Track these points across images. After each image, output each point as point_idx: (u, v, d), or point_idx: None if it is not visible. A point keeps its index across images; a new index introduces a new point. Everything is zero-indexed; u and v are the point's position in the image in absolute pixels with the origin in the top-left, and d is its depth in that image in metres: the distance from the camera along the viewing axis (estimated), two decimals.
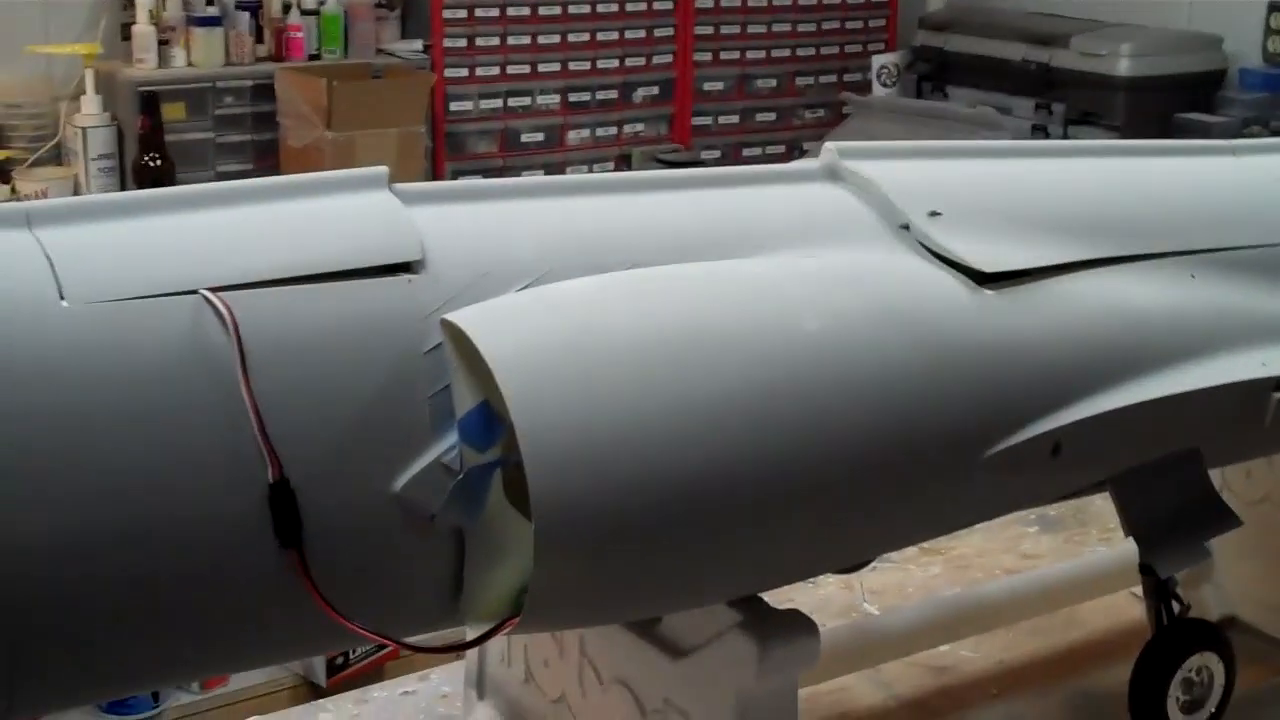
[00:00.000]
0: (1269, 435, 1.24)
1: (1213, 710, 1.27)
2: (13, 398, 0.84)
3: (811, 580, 1.88)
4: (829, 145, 1.20)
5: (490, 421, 0.94)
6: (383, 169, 1.01)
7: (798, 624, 1.09)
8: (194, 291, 0.89)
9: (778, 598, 1.82)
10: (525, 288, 0.98)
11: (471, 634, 1.00)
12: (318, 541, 0.90)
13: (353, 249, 0.95)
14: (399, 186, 1.01)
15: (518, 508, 0.95)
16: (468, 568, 0.96)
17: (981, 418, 1.06)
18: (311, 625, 0.93)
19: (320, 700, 1.65)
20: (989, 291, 1.10)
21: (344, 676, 3.20)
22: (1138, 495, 1.21)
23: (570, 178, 1.09)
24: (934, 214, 1.14)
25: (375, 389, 0.92)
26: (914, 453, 1.03)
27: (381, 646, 3.02)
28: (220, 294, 0.90)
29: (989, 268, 1.11)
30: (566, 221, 1.05)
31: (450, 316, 0.93)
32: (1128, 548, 1.24)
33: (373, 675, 3.00)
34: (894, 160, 1.21)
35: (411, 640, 0.98)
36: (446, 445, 0.93)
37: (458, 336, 0.93)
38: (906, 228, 1.14)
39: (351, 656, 3.27)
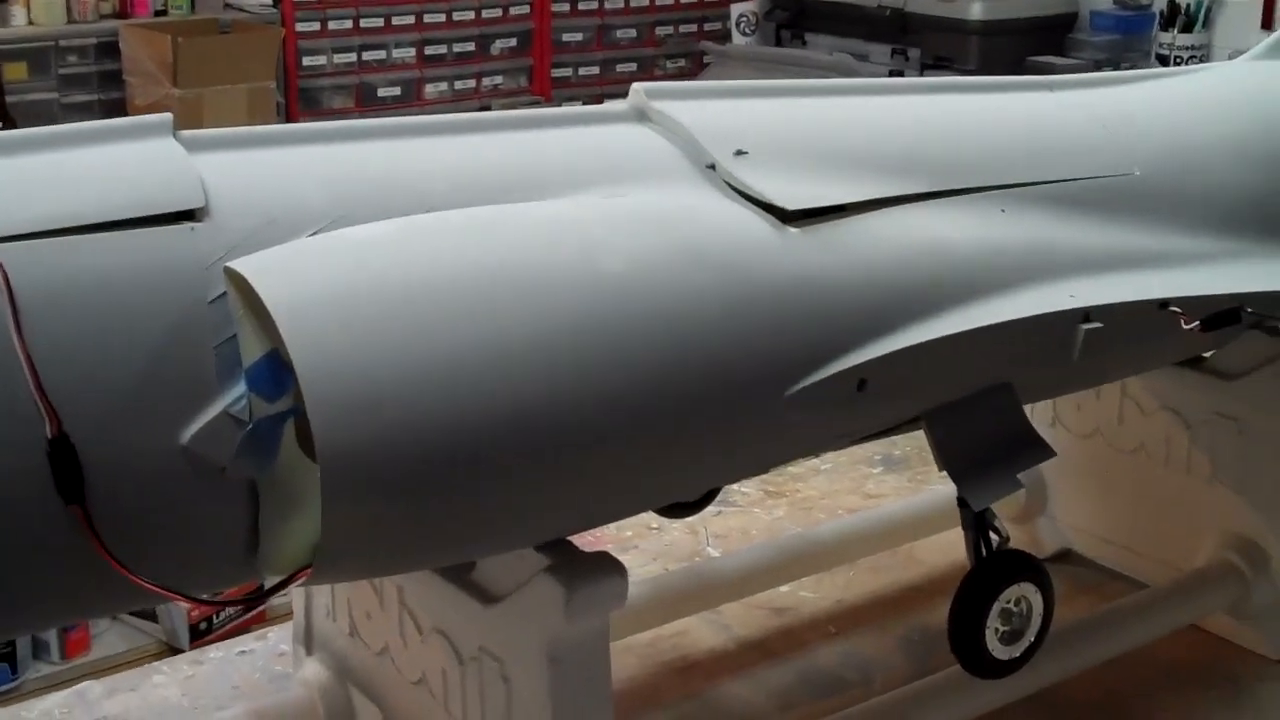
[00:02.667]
0: (1080, 368, 1.25)
1: (1032, 640, 1.29)
2: None
3: (656, 526, 1.89)
4: (636, 86, 1.19)
5: (279, 370, 0.92)
6: (166, 116, 0.99)
7: (606, 566, 1.08)
8: None
9: (621, 544, 1.83)
10: (315, 234, 0.96)
11: (268, 586, 0.98)
12: (103, 497, 0.88)
13: (131, 197, 0.92)
14: (184, 134, 0.99)
15: (310, 458, 0.93)
16: (262, 519, 0.94)
17: (785, 354, 1.06)
18: (103, 582, 0.91)
19: (156, 662, 1.63)
20: (793, 229, 1.10)
21: (208, 640, 3.16)
22: (950, 430, 1.21)
23: (365, 122, 1.07)
24: (740, 153, 1.14)
25: (158, 340, 0.90)
26: (718, 390, 1.03)
27: (248, 609, 3.00)
28: None
29: (793, 205, 1.10)
30: (360, 166, 1.03)
31: (233, 264, 0.92)
32: None
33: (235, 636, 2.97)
34: (702, 100, 1.20)
35: (205, 595, 0.96)
36: (235, 395, 0.92)
37: (242, 285, 0.91)
38: (713, 167, 1.13)
39: (215, 621, 3.23)
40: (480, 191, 1.04)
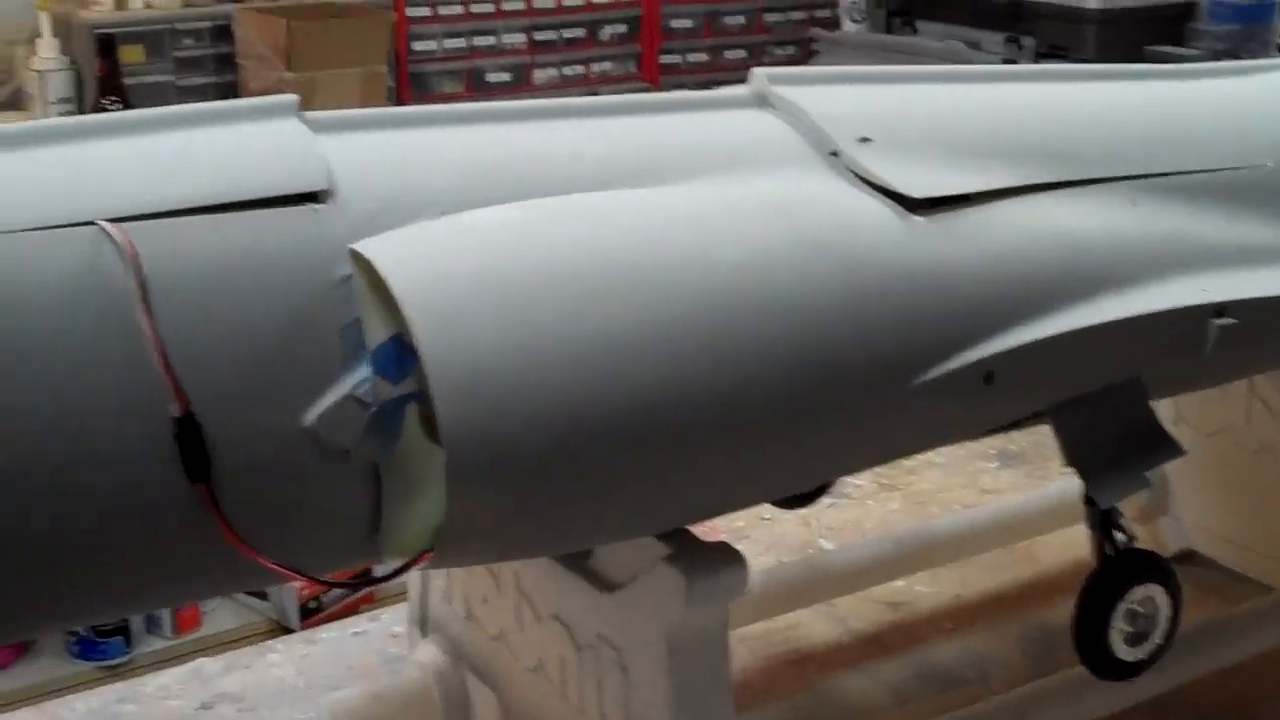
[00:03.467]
0: (1211, 364, 1.22)
1: (1159, 642, 1.26)
2: None
3: (768, 517, 1.88)
4: (758, 71, 1.18)
5: (403, 353, 0.92)
6: (292, 97, 0.99)
7: (726, 556, 1.07)
8: (92, 223, 0.87)
9: (734, 534, 1.82)
10: (437, 217, 0.95)
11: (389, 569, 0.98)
12: (228, 476, 0.89)
13: (257, 178, 0.92)
14: (309, 115, 0.99)
15: (434, 440, 0.93)
16: (384, 502, 0.94)
17: (911, 345, 1.04)
18: (227, 561, 0.91)
19: (270, 641, 1.65)
20: (919, 218, 1.08)
21: (318, 620, 3.18)
22: (1077, 425, 1.19)
23: (486, 105, 1.07)
24: (864, 140, 1.12)
25: (283, 321, 0.90)
26: (842, 381, 1.01)
27: (355, 590, 3.02)
28: (120, 225, 0.87)
29: (919, 194, 1.08)
30: (482, 150, 1.02)
31: (358, 246, 0.91)
32: None
33: (345, 616, 2.99)
34: (824, 86, 1.18)
35: (325, 576, 0.96)
36: (359, 378, 0.92)
37: (367, 267, 0.91)
38: (836, 154, 1.11)
39: (325, 600, 3.26)
40: (601, 176, 1.03)
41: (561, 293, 0.91)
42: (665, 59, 4.21)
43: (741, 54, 4.33)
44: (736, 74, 4.23)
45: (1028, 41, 3.74)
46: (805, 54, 4.25)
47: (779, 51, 4.37)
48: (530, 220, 0.96)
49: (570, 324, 0.91)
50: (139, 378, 0.86)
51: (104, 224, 0.87)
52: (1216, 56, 3.60)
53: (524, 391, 0.89)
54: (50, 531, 0.86)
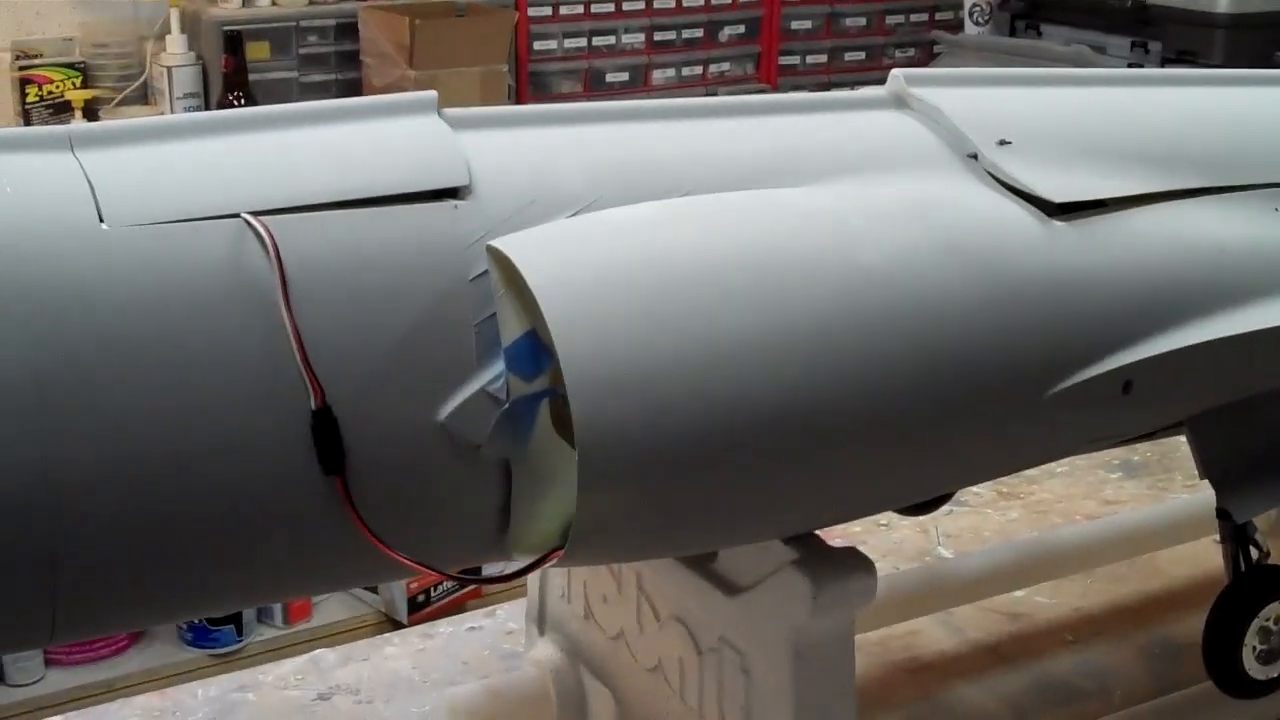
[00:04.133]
0: None
1: None
2: (52, 323, 0.83)
3: (885, 523, 1.86)
4: (896, 72, 1.17)
5: (538, 350, 0.92)
6: (432, 94, 0.99)
7: (854, 562, 1.06)
8: (235, 215, 0.88)
9: (851, 540, 1.80)
10: (574, 215, 0.95)
11: (517, 567, 0.98)
12: (361, 470, 0.89)
13: (397, 174, 0.93)
14: (448, 112, 0.99)
15: (566, 439, 0.93)
16: (514, 499, 0.94)
17: (1049, 353, 1.02)
18: (356, 554, 0.91)
19: (387, 634, 1.66)
20: (1059, 223, 1.06)
21: (426, 614, 3.21)
22: (1215, 437, 1.17)
23: (623, 103, 1.06)
24: (1003, 143, 1.10)
25: (419, 316, 0.90)
26: (978, 388, 1.00)
27: (463, 585, 3.04)
28: (262, 218, 0.88)
29: (1060, 198, 1.07)
30: (618, 148, 1.02)
31: (495, 243, 0.91)
32: (1212, 495, 1.20)
33: (453, 613, 3.01)
34: (963, 88, 1.17)
35: (455, 570, 0.97)
36: (493, 374, 0.92)
37: (504, 263, 0.91)
38: (975, 157, 1.10)
39: (433, 594, 3.28)
40: (738, 176, 1.02)
41: (698, 291, 0.91)
42: (784, 60, 4.20)
43: (861, 55, 4.30)
44: (856, 75, 4.26)
45: (1154, 46, 3.68)
46: (927, 56, 4.22)
47: (899, 54, 4.34)
48: (668, 218, 0.95)
49: (707, 323, 0.90)
50: (277, 370, 0.87)
51: (247, 216, 0.88)
52: None
53: (659, 391, 0.88)
54: (185, 520, 0.87)
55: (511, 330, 0.92)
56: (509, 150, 0.99)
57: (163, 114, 3.40)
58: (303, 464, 0.88)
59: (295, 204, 0.90)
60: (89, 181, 0.87)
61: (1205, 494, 1.64)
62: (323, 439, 0.88)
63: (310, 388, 0.87)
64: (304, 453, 0.88)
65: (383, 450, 0.90)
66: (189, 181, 0.90)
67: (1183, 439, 1.21)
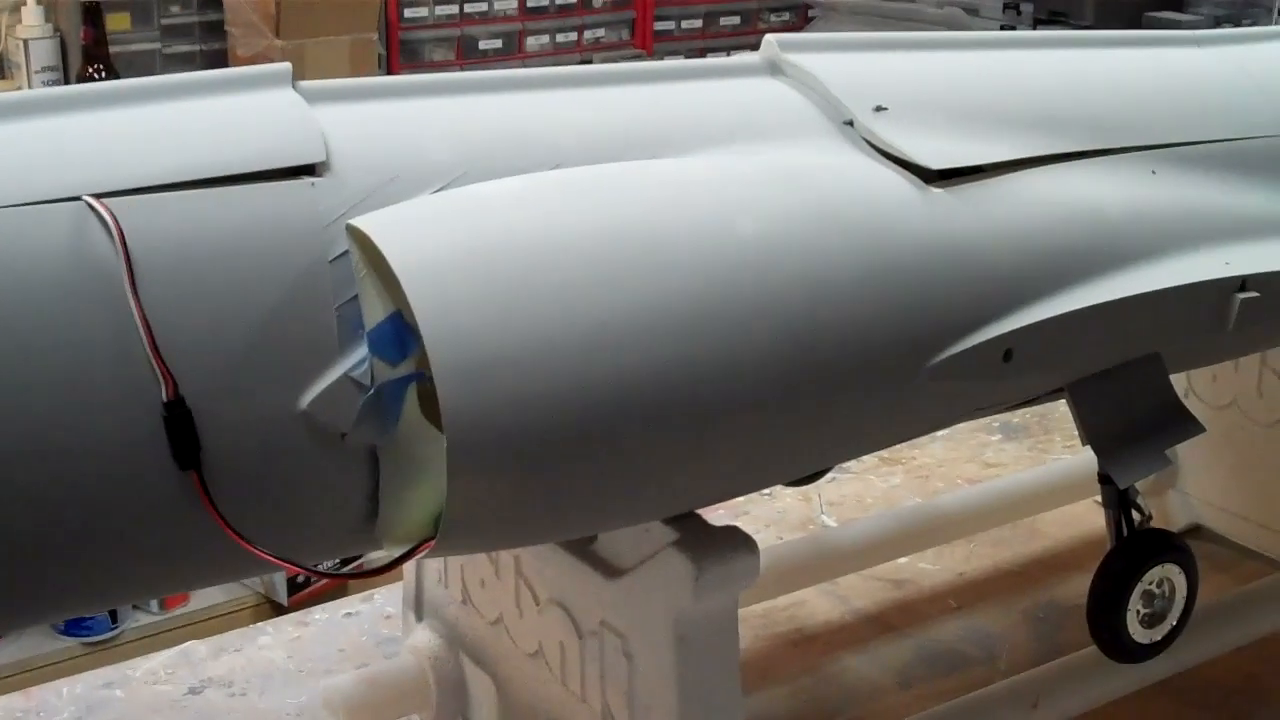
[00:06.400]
0: (1232, 339, 1.19)
1: (1174, 623, 1.23)
2: None
3: (768, 492, 1.84)
4: (769, 38, 1.14)
5: (402, 333, 0.88)
6: (285, 65, 0.94)
7: (736, 541, 1.03)
8: (77, 198, 0.83)
9: (733, 510, 1.78)
10: (439, 190, 0.91)
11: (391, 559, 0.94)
12: (219, 463, 0.85)
13: (250, 150, 0.88)
14: (303, 84, 0.95)
15: (434, 424, 0.89)
16: (383, 488, 0.90)
17: (929, 323, 1.00)
18: (218, 551, 0.87)
19: (260, 624, 1.61)
20: (937, 190, 1.04)
21: (307, 595, 3.16)
22: (1096, 402, 1.15)
23: (489, 74, 1.02)
24: (879, 109, 1.08)
25: (277, 300, 0.86)
26: (857, 360, 0.97)
27: (350, 580, 2.99)
28: (105, 200, 0.83)
29: (937, 165, 1.05)
30: (485, 120, 0.98)
31: (356, 221, 0.87)
32: (1091, 456, 1.19)
33: (336, 593, 2.95)
34: (838, 53, 1.14)
35: (319, 566, 0.93)
36: (356, 359, 0.88)
37: (365, 243, 0.87)
38: (850, 124, 1.07)
39: (313, 576, 3.23)
40: (609, 147, 0.99)
41: (569, 268, 0.87)
42: (659, 25, 4.17)
43: (735, 20, 4.28)
44: (731, 40, 4.23)
45: (1026, 7, 3.70)
46: (802, 20, 4.21)
47: (775, 18, 4.33)
48: (537, 193, 0.91)
49: (578, 301, 0.87)
50: (126, 361, 0.82)
51: (89, 199, 0.83)
52: (1216, 22, 3.57)
53: (531, 372, 0.85)
54: (35, 521, 0.82)
55: (374, 313, 0.88)
56: (369, 124, 0.94)
57: (20, 88, 3.30)
58: (157, 459, 0.83)
59: (141, 185, 0.85)
60: None
61: (1085, 455, 1.65)
62: (176, 432, 0.83)
63: (161, 378, 0.82)
64: (157, 447, 0.83)
65: (241, 441, 0.85)
66: (28, 162, 0.85)
67: (1062, 401, 1.20)
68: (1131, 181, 1.16)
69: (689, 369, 0.89)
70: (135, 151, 0.87)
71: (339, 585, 3.12)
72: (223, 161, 0.87)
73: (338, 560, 1.03)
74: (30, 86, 3.28)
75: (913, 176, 1.04)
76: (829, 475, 1.83)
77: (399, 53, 3.76)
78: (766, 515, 1.81)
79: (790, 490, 1.83)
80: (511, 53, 3.93)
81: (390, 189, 0.90)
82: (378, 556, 0.95)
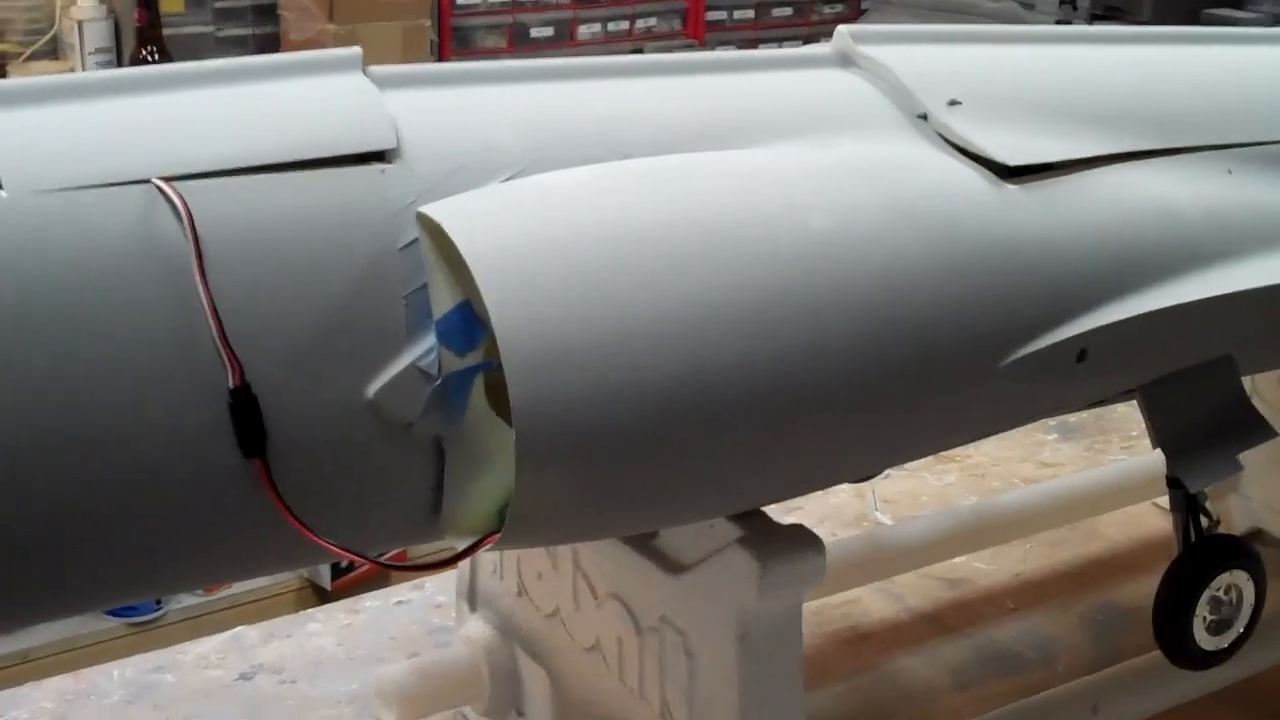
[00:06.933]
0: None
1: (1241, 630, 1.21)
2: None
3: None
4: (842, 29, 1.12)
5: (471, 323, 0.87)
6: (356, 50, 0.93)
7: (803, 540, 1.02)
8: (146, 181, 0.82)
9: (786, 507, 1.77)
10: (509, 179, 0.90)
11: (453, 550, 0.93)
12: (284, 451, 0.84)
13: (320, 136, 0.87)
14: (374, 70, 0.93)
15: (501, 415, 0.88)
16: (448, 479, 0.89)
17: (1002, 321, 0.98)
18: (280, 540, 0.86)
19: (310, 610, 1.61)
20: (1012, 186, 1.02)
21: (349, 580, 3.16)
22: (1168, 404, 1.13)
23: (561, 61, 1.01)
24: (954, 103, 1.06)
25: (345, 288, 0.85)
26: (928, 359, 0.96)
27: (416, 573, 2.99)
28: (175, 184, 0.82)
29: (1013, 160, 1.03)
30: (555, 109, 0.97)
31: (426, 209, 0.86)
32: (1151, 457, 1.17)
33: (378, 579, 2.96)
34: (911, 45, 1.12)
35: (385, 557, 0.92)
36: (424, 348, 0.86)
37: (435, 231, 0.86)
38: (924, 117, 1.06)
39: (357, 562, 3.22)
40: (679, 138, 0.98)
41: (643, 259, 0.86)
42: (711, 15, 4.14)
43: (788, 11, 4.25)
44: (783, 31, 4.20)
45: (1082, 2, 3.66)
46: (855, 12, 4.18)
47: (828, 10, 4.30)
48: (610, 183, 0.90)
49: (652, 292, 0.85)
50: (192, 346, 0.81)
51: (159, 182, 0.82)
52: (1276, 20, 3.53)
53: (601, 364, 0.83)
54: (100, 507, 0.81)
55: (443, 302, 0.87)
56: (439, 111, 0.93)
57: (73, 70, 3.30)
58: (221, 446, 0.82)
59: (211, 169, 0.84)
60: None
61: (1144, 457, 1.63)
62: (241, 419, 0.82)
63: (228, 365, 0.81)
64: (223, 434, 0.82)
65: (307, 430, 0.84)
66: (97, 145, 0.84)
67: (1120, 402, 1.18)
68: (1207, 181, 1.13)
69: (760, 365, 0.88)
70: (205, 135, 0.86)
71: (382, 572, 3.13)
72: (293, 146, 0.86)
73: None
74: (84, 68, 3.29)
75: (987, 172, 1.02)
76: (884, 472, 1.83)
77: (451, 38, 3.75)
78: (820, 511, 1.79)
79: (844, 486, 1.81)
80: (563, 41, 3.91)
81: (459, 177, 0.89)
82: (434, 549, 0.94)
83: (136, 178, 0.82)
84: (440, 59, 3.69)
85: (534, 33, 3.87)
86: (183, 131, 0.86)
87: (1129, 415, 1.13)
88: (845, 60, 1.11)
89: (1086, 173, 1.07)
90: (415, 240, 0.86)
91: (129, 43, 3.32)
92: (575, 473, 0.85)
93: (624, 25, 4.01)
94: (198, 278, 0.81)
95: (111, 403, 0.80)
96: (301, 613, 1.60)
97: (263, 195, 0.84)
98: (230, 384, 0.82)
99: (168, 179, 0.82)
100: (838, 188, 0.96)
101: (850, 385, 0.92)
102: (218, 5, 3.42)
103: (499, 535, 0.88)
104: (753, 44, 4.21)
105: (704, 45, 4.08)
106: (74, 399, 0.79)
